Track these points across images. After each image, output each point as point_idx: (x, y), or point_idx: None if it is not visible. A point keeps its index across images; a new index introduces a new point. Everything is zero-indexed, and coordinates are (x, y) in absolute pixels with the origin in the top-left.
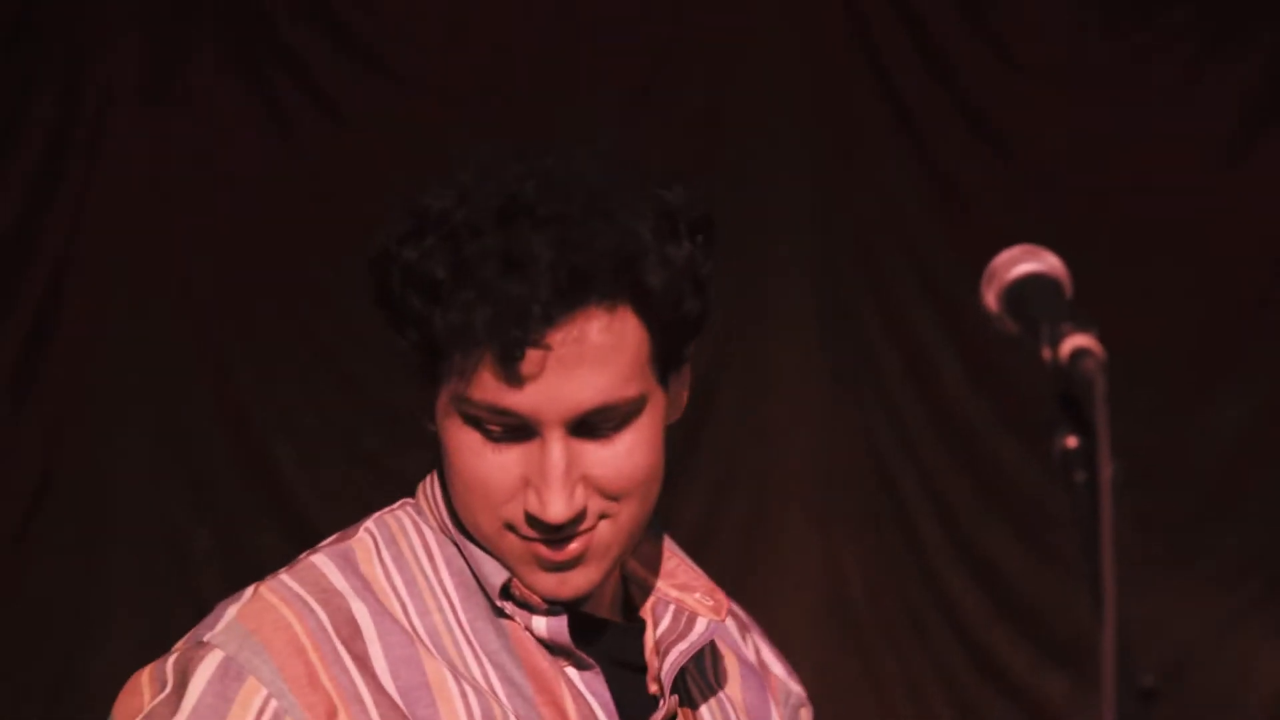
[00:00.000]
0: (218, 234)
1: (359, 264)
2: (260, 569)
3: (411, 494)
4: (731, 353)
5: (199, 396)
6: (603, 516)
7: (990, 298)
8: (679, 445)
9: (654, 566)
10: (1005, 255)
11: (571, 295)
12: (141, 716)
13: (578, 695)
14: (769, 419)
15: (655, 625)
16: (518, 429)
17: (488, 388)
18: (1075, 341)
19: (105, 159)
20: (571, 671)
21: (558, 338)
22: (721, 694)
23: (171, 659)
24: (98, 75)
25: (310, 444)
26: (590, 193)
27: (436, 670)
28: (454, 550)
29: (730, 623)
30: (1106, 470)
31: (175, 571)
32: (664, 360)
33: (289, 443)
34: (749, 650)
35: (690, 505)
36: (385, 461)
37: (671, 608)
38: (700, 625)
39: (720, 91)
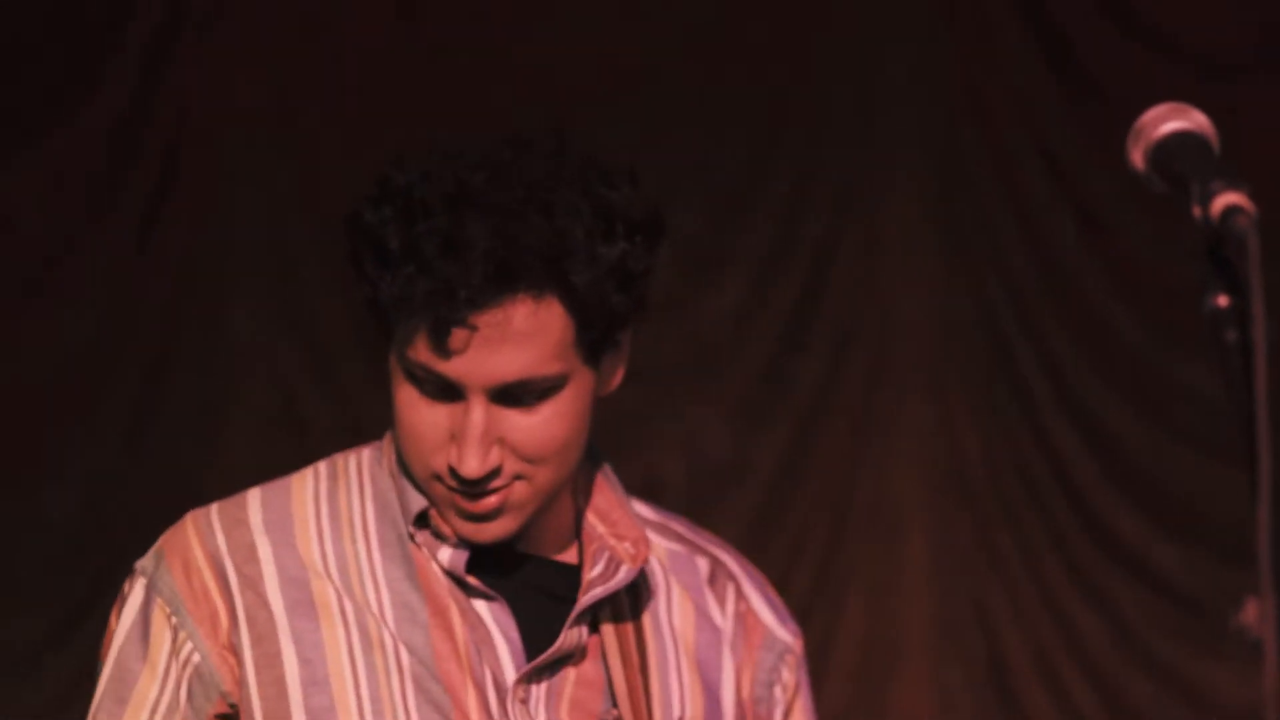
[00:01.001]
0: (335, 104)
1: (479, 134)
2: (376, 438)
3: None
4: (847, 219)
5: (318, 267)
6: (519, 477)
7: (1137, 156)
8: (799, 314)
9: (603, 514)
10: (1152, 113)
11: (499, 283)
12: (107, 644)
13: (476, 622)
14: (884, 285)
15: (592, 566)
16: (448, 389)
17: (422, 351)
18: (1227, 199)
19: (223, 26)
20: (478, 601)
21: (483, 319)
22: (666, 629)
23: (124, 586)
24: None
25: None
26: (533, 188)
27: (323, 590)
28: (388, 484)
29: (703, 570)
30: (1260, 329)
31: (294, 441)
32: (591, 344)
33: None
34: (723, 600)
35: (807, 373)
36: None
37: (606, 554)
38: (621, 573)
39: None
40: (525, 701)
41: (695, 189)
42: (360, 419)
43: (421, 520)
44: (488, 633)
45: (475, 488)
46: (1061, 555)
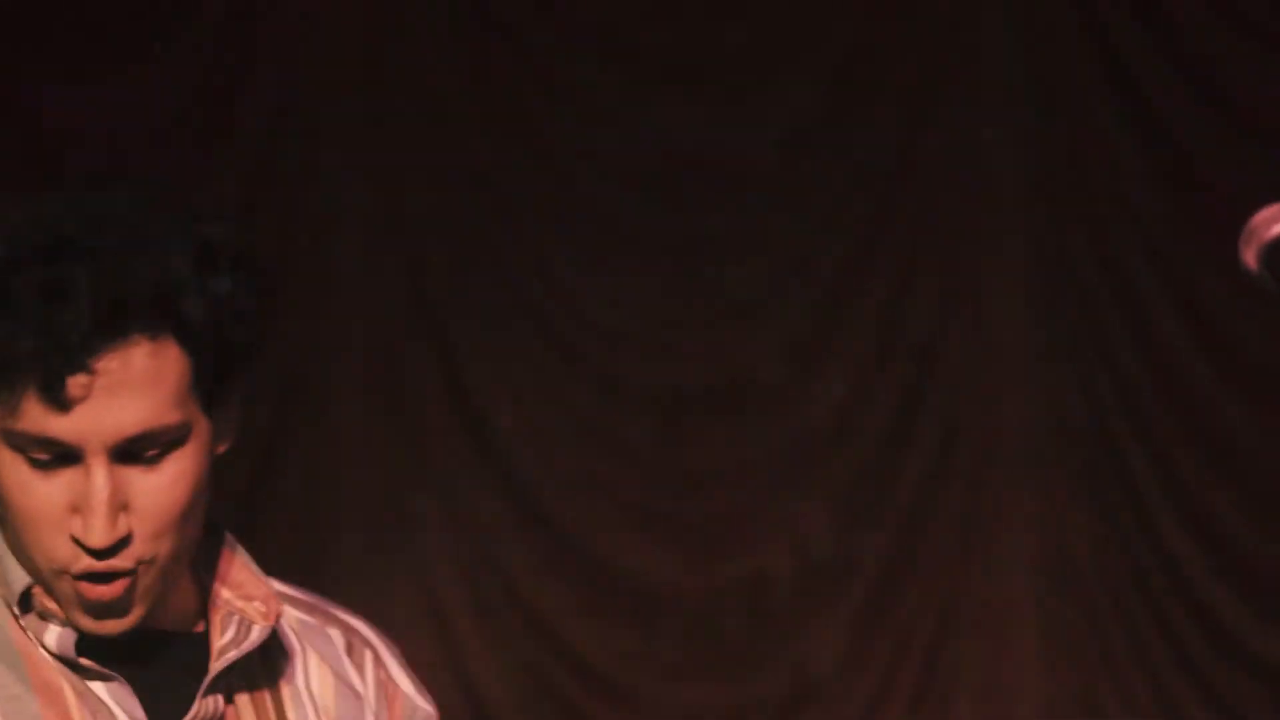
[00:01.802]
0: (439, 196)
1: (577, 234)
2: (482, 537)
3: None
4: (952, 314)
5: (419, 366)
6: (141, 562)
7: (1249, 256)
8: (904, 409)
9: (225, 578)
10: (1264, 213)
11: (112, 325)
12: None
13: (96, 706)
14: (990, 380)
15: (221, 634)
16: (63, 456)
17: (32, 418)
18: None
19: (306, 68)
20: (95, 684)
21: (99, 365)
22: (306, 695)
23: None
24: None
25: (530, 412)
26: (129, 227)
27: None
28: None
29: (338, 639)
30: None
31: (400, 539)
32: (208, 390)
33: (509, 411)
34: (362, 668)
35: (913, 469)
36: (605, 428)
37: (235, 618)
38: (254, 633)
39: (932, 45)
40: None
41: (799, 283)
42: (463, 518)
43: (25, 601)
44: (110, 716)
45: (103, 560)
46: (1174, 651)
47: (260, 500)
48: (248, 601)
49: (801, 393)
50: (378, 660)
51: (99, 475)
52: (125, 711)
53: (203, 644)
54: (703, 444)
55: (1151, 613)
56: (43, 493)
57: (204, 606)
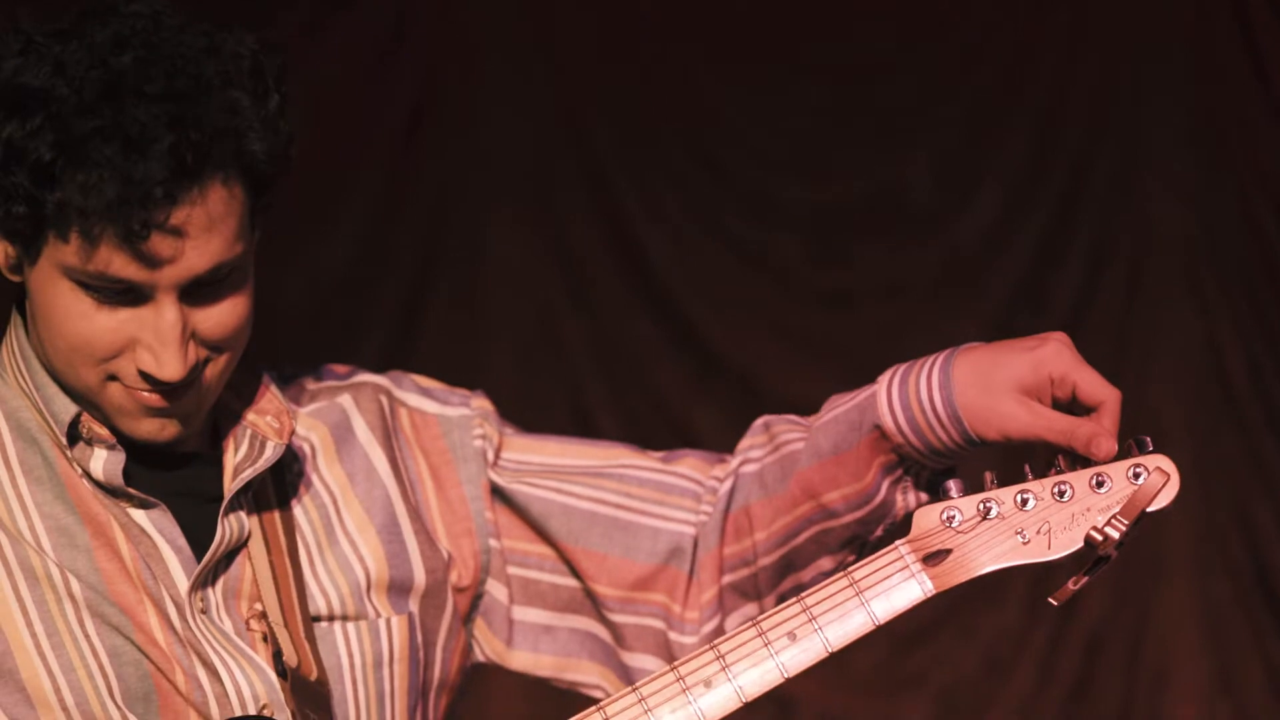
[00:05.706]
0: (590, 22)
1: (727, 52)
2: (633, 358)
3: None
4: (1104, 131)
5: (571, 186)
6: (206, 362)
7: None
8: (1056, 228)
9: (242, 393)
10: None
11: (193, 174)
12: None
13: (138, 536)
14: (1143, 196)
15: (236, 451)
16: (128, 292)
17: (104, 260)
18: None
19: None
20: (137, 512)
21: (180, 215)
22: (325, 496)
23: None
24: None
25: (680, 232)
26: (191, 64)
27: None
28: (20, 403)
29: (348, 405)
30: None
31: (551, 360)
32: (259, 211)
33: (658, 231)
34: (380, 415)
35: (1065, 286)
36: (753, 248)
37: (249, 433)
38: (269, 449)
39: None
40: (206, 611)
41: (950, 102)
42: (614, 337)
43: (74, 430)
44: (153, 544)
45: (172, 386)
46: None
47: (412, 324)
48: (260, 415)
49: (952, 211)
50: (393, 400)
51: (170, 313)
52: (167, 539)
53: (212, 461)
54: (853, 263)
55: None
56: (105, 324)
57: (220, 428)
